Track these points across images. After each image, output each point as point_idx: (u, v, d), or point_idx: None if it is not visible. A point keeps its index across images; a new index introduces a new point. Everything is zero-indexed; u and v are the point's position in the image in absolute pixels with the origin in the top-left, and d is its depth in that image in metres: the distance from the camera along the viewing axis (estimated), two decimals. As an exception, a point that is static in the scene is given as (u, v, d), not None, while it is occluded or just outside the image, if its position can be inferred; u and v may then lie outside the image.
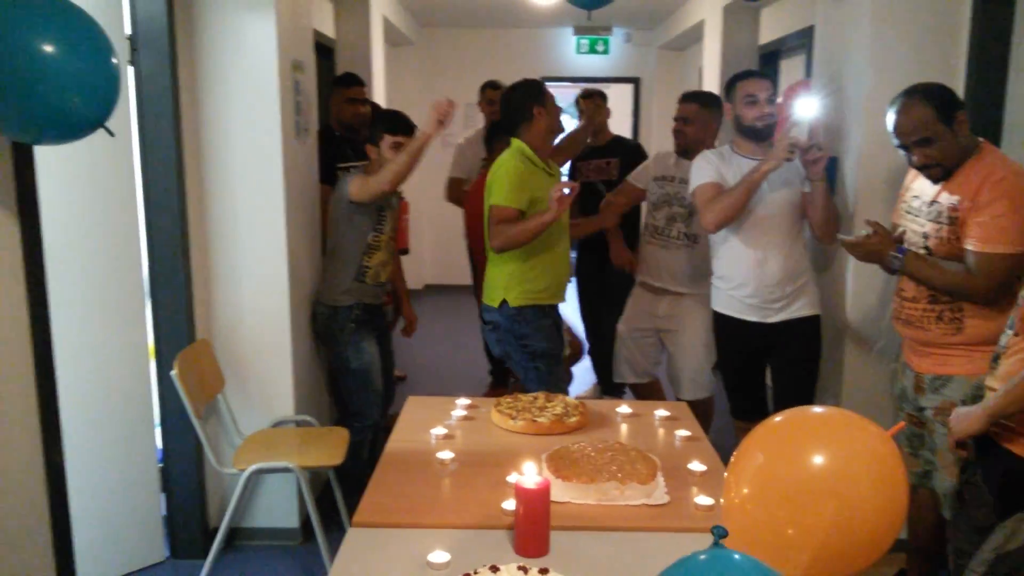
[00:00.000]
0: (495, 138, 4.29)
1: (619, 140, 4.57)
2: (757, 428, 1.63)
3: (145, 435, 3.06)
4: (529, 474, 1.68)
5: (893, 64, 2.92)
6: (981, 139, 2.35)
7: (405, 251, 6.19)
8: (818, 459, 1.49)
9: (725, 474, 1.61)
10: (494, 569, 1.50)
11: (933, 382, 2.38)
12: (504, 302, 3.15)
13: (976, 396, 2.04)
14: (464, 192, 4.77)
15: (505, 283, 3.15)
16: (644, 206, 3.94)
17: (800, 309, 3.06)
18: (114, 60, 1.91)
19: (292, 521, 3.30)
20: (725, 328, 3.21)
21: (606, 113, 4.47)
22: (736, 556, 1.07)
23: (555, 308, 3.29)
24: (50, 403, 2.13)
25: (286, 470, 2.85)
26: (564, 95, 9.77)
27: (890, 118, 2.37)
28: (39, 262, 2.12)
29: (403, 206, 5.98)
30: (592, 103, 4.37)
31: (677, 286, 3.64)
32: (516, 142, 3.17)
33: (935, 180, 2.34)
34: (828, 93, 3.21)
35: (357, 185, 3.19)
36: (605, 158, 4.38)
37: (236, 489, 2.89)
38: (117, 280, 2.94)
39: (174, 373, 2.75)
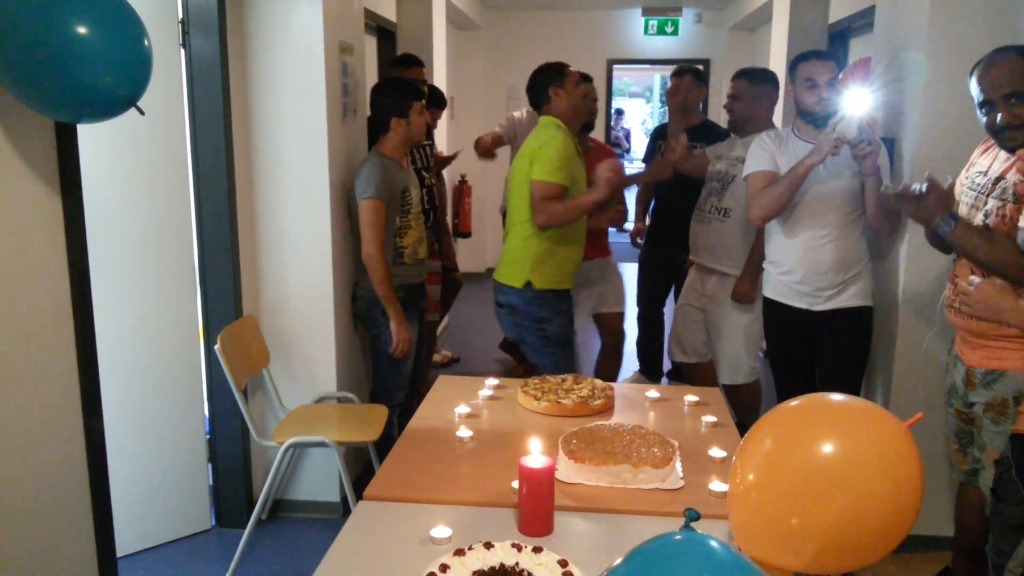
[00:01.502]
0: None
1: (709, 125, 4.35)
2: (769, 414, 1.58)
3: (194, 407, 3.17)
4: (535, 453, 1.67)
5: (952, 40, 2.77)
6: None
7: (467, 234, 6.23)
8: (828, 448, 1.43)
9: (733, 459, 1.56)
10: (488, 545, 1.50)
11: (985, 376, 2.24)
12: (528, 284, 3.13)
13: None
14: (490, 145, 4.70)
15: (532, 264, 3.13)
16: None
17: (850, 299, 2.95)
18: (146, 40, 1.97)
19: (333, 495, 3.37)
20: (773, 313, 3.12)
21: (700, 93, 4.31)
22: (711, 542, 1.03)
23: (569, 293, 3.28)
24: (90, 374, 2.22)
25: (323, 444, 2.91)
26: (635, 78, 9.65)
27: (976, 76, 2.21)
28: (82, 239, 2.20)
29: (466, 190, 6.03)
30: (683, 81, 4.24)
31: (713, 261, 3.58)
32: (548, 117, 3.19)
33: (1013, 146, 2.17)
34: (884, 77, 3.07)
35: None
36: (692, 143, 4.22)
37: (275, 461, 2.97)
38: (169, 256, 3.04)
39: (217, 348, 2.83)
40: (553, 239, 3.11)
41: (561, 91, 3.17)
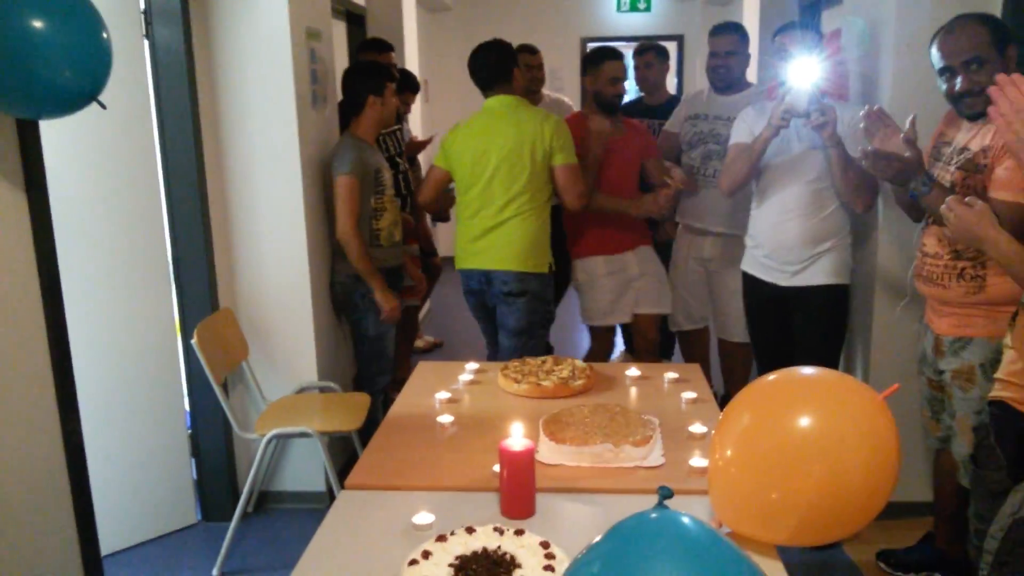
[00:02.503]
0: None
1: (676, 100, 4.30)
2: (746, 389, 1.59)
3: (174, 403, 3.15)
4: (515, 436, 1.67)
5: (921, 9, 2.77)
6: None
7: (445, 219, 6.19)
8: (805, 421, 1.44)
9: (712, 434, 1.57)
10: (470, 530, 1.50)
11: (953, 344, 2.27)
12: (550, 266, 3.18)
13: (997, 360, 1.93)
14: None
15: (548, 247, 3.19)
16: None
17: (818, 276, 2.90)
18: (104, 33, 1.93)
19: (319, 485, 3.37)
20: (748, 287, 3.14)
21: (664, 70, 4.30)
22: (684, 519, 1.03)
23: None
24: (65, 373, 2.19)
25: (305, 435, 2.90)
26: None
27: (937, 43, 2.21)
28: (49, 237, 2.16)
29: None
30: (643, 60, 4.23)
31: (718, 226, 3.55)
32: (516, 98, 3.19)
33: (973, 114, 2.18)
34: (846, 47, 3.07)
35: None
36: (658, 119, 4.18)
37: (258, 453, 2.96)
38: (141, 251, 3.00)
39: (194, 342, 2.81)
40: (546, 217, 3.18)
41: (518, 71, 3.22)
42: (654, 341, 3.71)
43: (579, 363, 2.45)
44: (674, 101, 4.28)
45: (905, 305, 2.63)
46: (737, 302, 3.54)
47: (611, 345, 3.73)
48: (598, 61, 3.46)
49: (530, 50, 4.63)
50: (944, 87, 2.21)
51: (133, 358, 3.00)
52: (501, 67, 3.18)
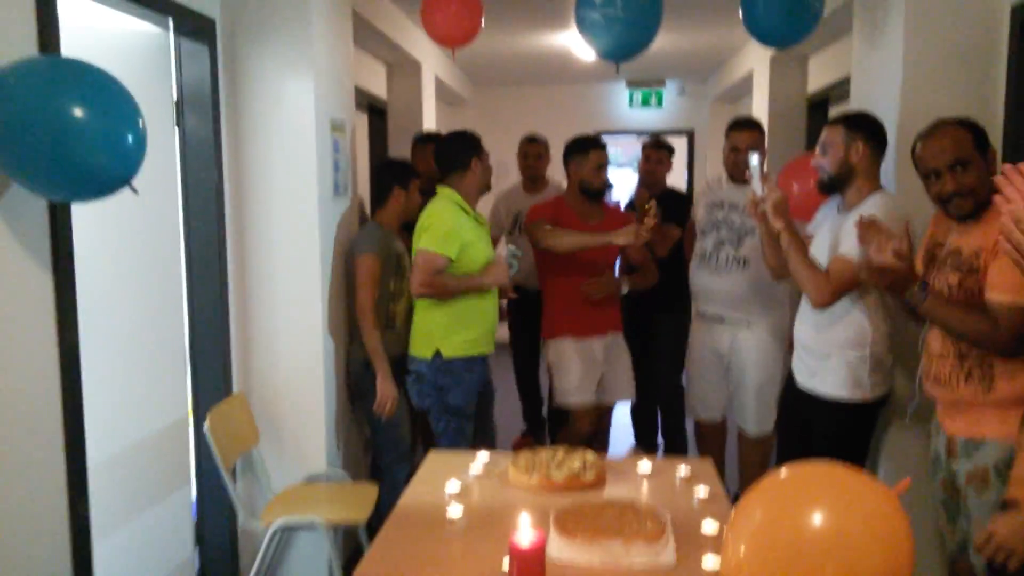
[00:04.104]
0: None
1: (670, 193, 4.46)
2: (757, 485, 1.57)
3: (181, 490, 3.12)
4: (524, 530, 1.65)
5: (924, 110, 2.85)
6: None
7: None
8: (817, 518, 1.42)
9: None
10: (478, 629, 1.47)
11: (966, 445, 2.23)
12: (437, 353, 3.14)
13: (1011, 461, 1.90)
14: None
15: (441, 333, 3.14)
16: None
17: (826, 384, 2.72)
18: (141, 121, 2.01)
19: (324, 576, 3.30)
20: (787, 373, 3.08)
21: (667, 167, 4.45)
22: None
23: (485, 360, 3.27)
24: (77, 457, 2.20)
25: (312, 526, 2.86)
26: (622, 149, 9.83)
27: (920, 147, 2.27)
28: (73, 318, 2.20)
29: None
30: (656, 155, 4.39)
31: (732, 311, 3.54)
32: (447, 190, 3.21)
33: (961, 215, 2.22)
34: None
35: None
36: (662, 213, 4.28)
37: (263, 544, 2.91)
38: (159, 335, 3.03)
39: (207, 428, 2.81)
40: (455, 306, 3.14)
41: (480, 162, 3.23)
42: (588, 434, 3.67)
43: (590, 455, 2.43)
44: (669, 194, 4.38)
45: (914, 408, 2.58)
46: (754, 394, 3.52)
47: (590, 425, 3.70)
48: (584, 149, 3.57)
49: (529, 139, 4.82)
50: (932, 190, 2.27)
51: (144, 441, 2.99)
52: (457, 157, 3.24)
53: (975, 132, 2.22)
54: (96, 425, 2.60)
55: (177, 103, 3.05)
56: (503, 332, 4.21)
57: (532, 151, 4.76)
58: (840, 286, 2.60)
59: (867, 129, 2.67)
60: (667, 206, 4.06)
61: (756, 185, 2.72)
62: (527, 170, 4.81)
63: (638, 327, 4.42)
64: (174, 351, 3.08)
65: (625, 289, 3.72)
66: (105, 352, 2.86)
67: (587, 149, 3.56)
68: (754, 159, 2.73)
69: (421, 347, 3.19)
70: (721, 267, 3.55)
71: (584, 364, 3.62)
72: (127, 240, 2.94)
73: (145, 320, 2.99)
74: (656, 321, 4.33)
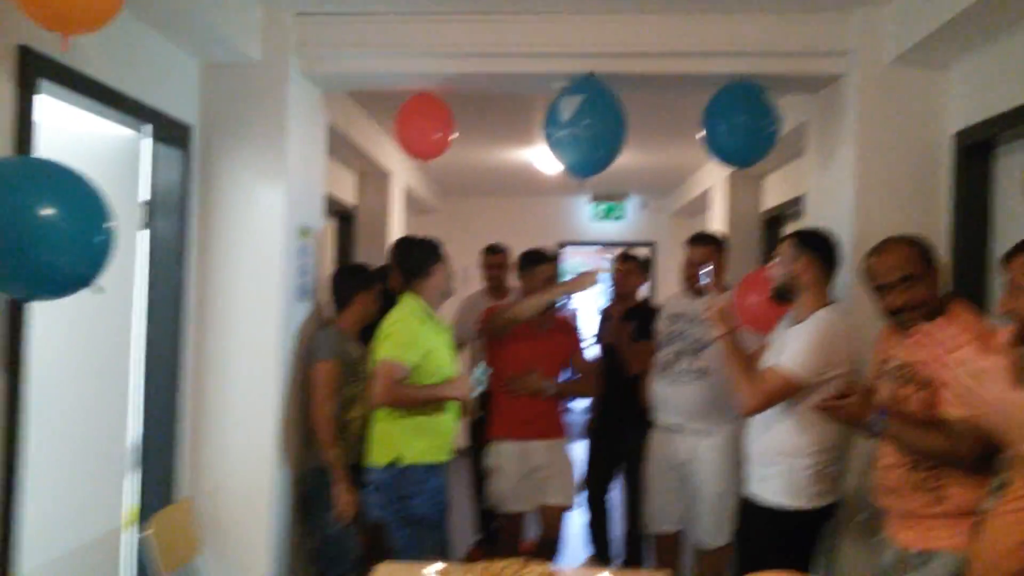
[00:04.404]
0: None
1: (643, 306, 4.46)
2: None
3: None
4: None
5: (877, 227, 2.98)
6: (954, 299, 2.32)
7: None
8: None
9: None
10: None
11: (918, 557, 2.21)
12: (397, 460, 3.05)
13: (964, 573, 1.90)
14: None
15: (402, 440, 3.06)
16: None
17: (765, 492, 2.73)
18: (109, 224, 2.02)
19: None
20: None
21: (636, 279, 4.49)
22: None
23: (443, 467, 3.19)
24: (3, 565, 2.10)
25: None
26: (585, 260, 10.06)
27: (869, 263, 2.36)
28: (20, 416, 2.15)
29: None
30: (626, 267, 4.44)
31: (691, 421, 3.53)
32: (410, 296, 3.19)
33: (910, 327, 2.29)
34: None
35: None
36: (628, 320, 4.27)
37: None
38: (106, 436, 2.95)
39: (149, 533, 2.70)
40: (414, 413, 3.08)
41: (442, 267, 3.24)
42: (555, 540, 3.62)
43: (545, 569, 2.37)
44: (643, 306, 4.45)
45: (865, 519, 2.58)
46: (711, 505, 3.49)
47: (519, 533, 3.63)
48: (533, 264, 3.69)
49: (491, 250, 4.93)
50: (882, 304, 2.34)
51: (82, 550, 2.86)
52: (419, 264, 3.24)
53: (922, 248, 2.33)
54: (32, 531, 2.49)
55: (148, 205, 3.08)
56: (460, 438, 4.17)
57: (493, 261, 4.89)
58: (768, 396, 2.65)
59: (815, 245, 2.77)
60: (640, 320, 4.11)
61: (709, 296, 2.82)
62: (489, 279, 4.91)
63: (607, 439, 4.40)
64: (120, 455, 2.99)
65: (552, 391, 3.71)
66: (50, 451, 2.77)
67: (536, 264, 3.68)
68: (704, 272, 2.86)
69: (380, 455, 3.11)
70: (679, 377, 3.58)
71: (521, 469, 3.59)
72: (81, 338, 2.90)
73: (93, 421, 2.91)
74: (624, 434, 4.29)
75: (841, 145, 3.25)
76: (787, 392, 2.62)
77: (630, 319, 4.25)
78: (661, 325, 3.79)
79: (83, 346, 2.90)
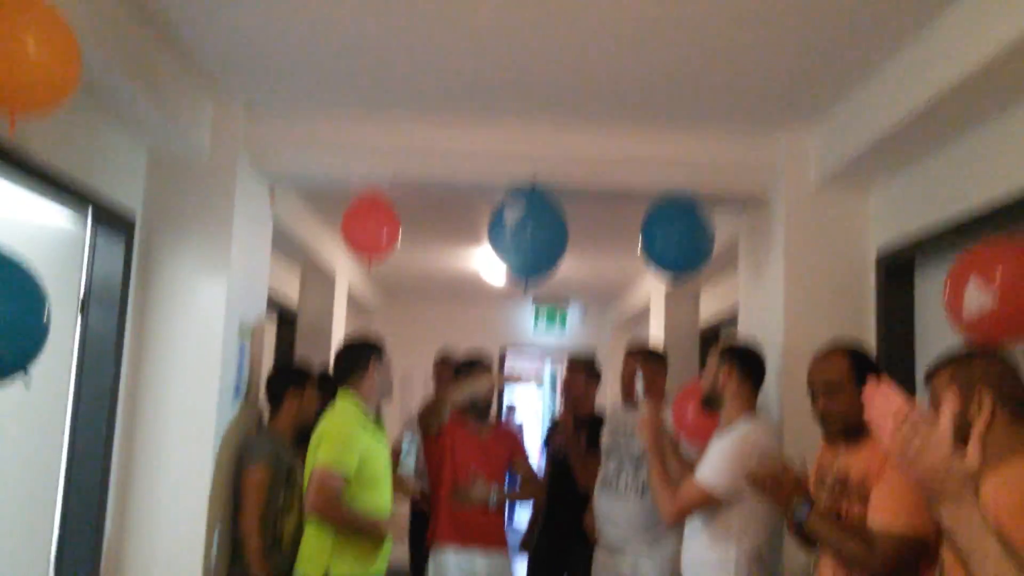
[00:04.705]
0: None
1: (597, 419, 4.21)
2: None
3: None
4: None
5: (806, 339, 3.09)
6: None
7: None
8: None
9: None
10: None
11: None
12: (327, 572, 2.90)
13: None
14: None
15: (328, 552, 2.91)
16: None
17: None
18: (46, 312, 1.99)
19: None
20: None
21: (591, 386, 4.31)
22: None
23: None
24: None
25: None
26: (527, 367, 10.09)
27: (809, 365, 2.42)
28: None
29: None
30: (569, 375, 4.30)
31: (634, 538, 3.45)
32: (346, 394, 3.08)
33: (831, 437, 2.32)
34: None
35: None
36: (579, 430, 4.14)
37: None
38: (23, 529, 2.79)
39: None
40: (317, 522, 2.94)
41: (381, 365, 3.15)
42: None
43: None
44: (596, 417, 4.35)
45: None
46: None
47: None
48: (469, 372, 3.70)
49: (443, 359, 4.86)
50: (813, 407, 2.39)
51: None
52: (355, 360, 3.15)
53: (855, 359, 2.35)
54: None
55: (84, 295, 3.02)
56: (402, 550, 4.04)
57: (444, 369, 4.79)
58: (684, 505, 2.69)
59: (738, 357, 2.84)
60: (591, 431, 4.00)
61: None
62: (441, 387, 4.78)
63: (551, 556, 4.26)
64: (38, 559, 2.82)
65: (494, 499, 3.66)
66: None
67: (470, 371, 3.70)
68: (637, 382, 3.01)
69: (310, 566, 2.94)
70: (621, 492, 3.53)
71: None
72: (9, 429, 2.77)
73: (14, 518, 2.75)
74: (568, 552, 4.17)
75: (770, 261, 3.40)
76: (703, 502, 2.65)
77: (583, 429, 4.12)
78: (604, 438, 3.77)
79: (8, 438, 2.77)
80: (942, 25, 2.34)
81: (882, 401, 1.33)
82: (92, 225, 2.99)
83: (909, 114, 2.53)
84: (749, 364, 2.84)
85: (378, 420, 3.20)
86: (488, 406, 3.79)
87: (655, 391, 3.62)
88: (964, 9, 2.24)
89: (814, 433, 2.60)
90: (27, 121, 2.09)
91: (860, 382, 2.28)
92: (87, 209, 2.88)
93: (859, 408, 2.21)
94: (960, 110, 2.45)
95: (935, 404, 1.81)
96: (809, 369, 2.42)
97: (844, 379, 2.31)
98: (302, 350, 5.74)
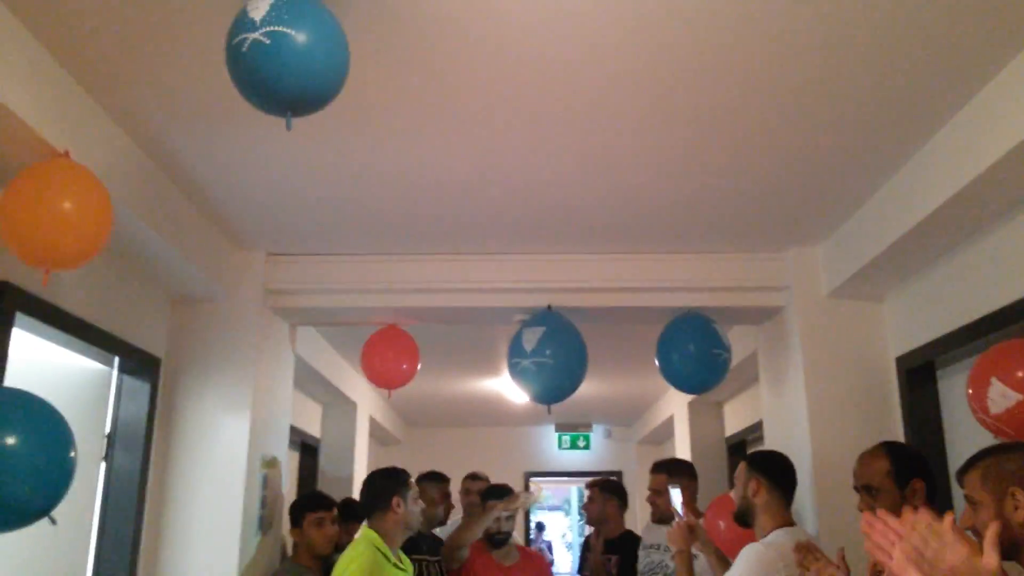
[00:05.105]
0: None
1: (631, 535, 4.21)
2: None
3: None
4: None
5: (833, 447, 3.05)
6: None
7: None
8: None
9: None
10: None
11: None
12: None
13: None
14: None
15: None
16: None
17: None
18: (72, 452, 2.01)
19: None
20: None
21: (607, 504, 4.26)
22: None
23: None
24: None
25: None
26: (553, 491, 9.90)
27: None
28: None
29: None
30: (588, 495, 4.30)
31: None
32: (367, 531, 3.00)
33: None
34: None
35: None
36: (609, 554, 4.10)
37: None
38: None
39: None
40: None
41: (402, 501, 3.02)
42: None
43: None
44: (630, 537, 4.25)
45: None
46: None
47: None
48: (494, 496, 3.66)
49: (473, 476, 4.79)
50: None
51: None
52: (378, 496, 3.06)
53: (897, 459, 2.31)
54: None
55: (109, 436, 3.05)
56: None
57: (474, 487, 4.70)
58: None
59: (765, 468, 2.77)
60: (623, 552, 3.94)
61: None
62: (469, 507, 4.72)
63: None
64: None
65: None
66: None
67: (495, 497, 3.64)
68: (673, 493, 2.94)
69: None
70: None
71: None
72: (27, 564, 2.74)
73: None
74: None
75: (789, 372, 3.40)
76: None
77: (613, 551, 4.05)
78: (640, 556, 3.70)
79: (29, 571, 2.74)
80: (936, 145, 2.44)
81: (880, 531, 1.32)
82: (119, 372, 3.07)
83: (908, 228, 2.60)
84: (777, 473, 2.78)
85: (407, 551, 3.12)
86: (509, 534, 3.68)
87: (684, 501, 3.56)
88: (956, 128, 2.33)
89: (854, 541, 2.53)
90: (58, 273, 2.18)
91: (903, 482, 2.27)
92: (114, 357, 2.96)
93: (897, 511, 2.18)
94: (958, 222, 2.52)
95: (969, 504, 1.78)
96: (854, 470, 2.39)
97: (885, 481, 2.28)
98: (325, 481, 5.69)
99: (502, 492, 3.69)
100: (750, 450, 5.51)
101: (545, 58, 2.07)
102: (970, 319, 2.64)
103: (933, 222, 2.52)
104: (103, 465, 3.03)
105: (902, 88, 2.17)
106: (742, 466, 2.82)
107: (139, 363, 3.07)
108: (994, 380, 2.20)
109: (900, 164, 2.62)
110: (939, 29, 1.93)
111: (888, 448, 2.39)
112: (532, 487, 3.57)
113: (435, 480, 4.05)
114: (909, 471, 2.31)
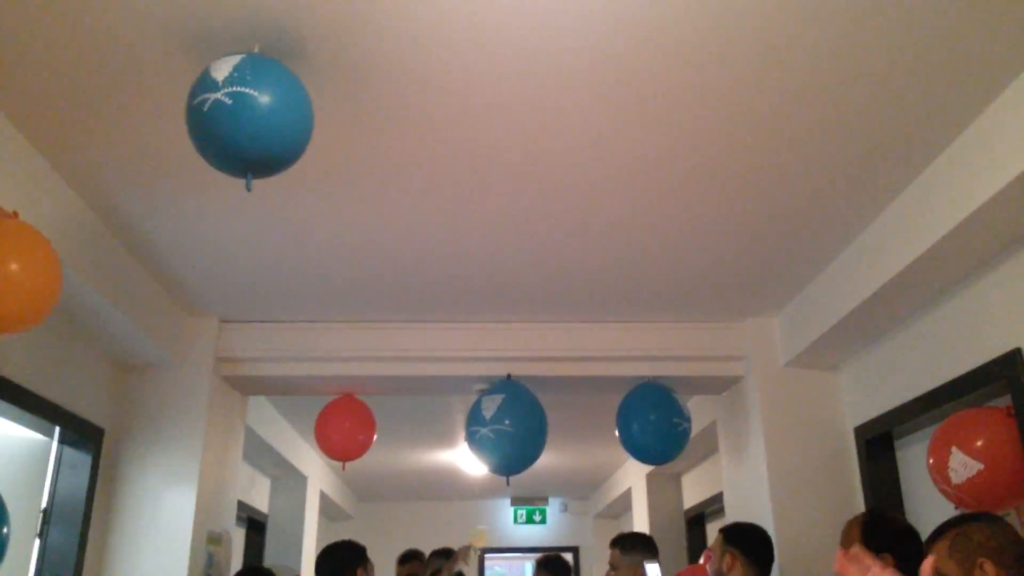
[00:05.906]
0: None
1: None
2: None
3: None
4: None
5: (795, 518, 3.03)
6: None
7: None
8: None
9: None
10: None
11: None
12: None
13: None
14: None
15: None
16: None
17: None
18: (3, 530, 1.90)
19: None
20: None
21: None
22: None
23: None
24: None
25: None
26: (507, 566, 9.61)
27: None
28: None
29: None
30: (535, 573, 4.23)
31: None
32: None
33: None
34: None
35: None
36: None
37: None
38: None
39: None
40: None
41: (361, 570, 3.03)
42: None
43: None
44: None
45: None
46: None
47: None
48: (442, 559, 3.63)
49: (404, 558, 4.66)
50: None
51: None
52: (341, 569, 3.05)
53: (867, 528, 2.27)
54: None
55: (45, 511, 2.89)
56: None
57: (402, 572, 4.60)
58: None
59: (740, 541, 2.75)
60: None
61: None
62: None
63: None
64: None
65: None
66: None
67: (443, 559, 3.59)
68: (650, 569, 2.86)
69: None
70: None
71: None
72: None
73: None
74: None
75: (750, 442, 3.39)
76: None
77: None
78: None
79: None
80: (888, 217, 2.50)
81: (856, 567, 1.30)
82: (59, 442, 2.92)
83: (862, 299, 2.65)
84: (753, 547, 2.75)
85: None
86: None
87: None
88: (908, 200, 2.39)
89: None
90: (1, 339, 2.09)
91: (876, 550, 2.24)
92: (54, 428, 2.82)
93: None
94: (912, 292, 2.56)
95: (937, 573, 1.76)
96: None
97: (855, 545, 2.25)
98: (272, 558, 5.46)
99: (447, 555, 3.61)
100: (711, 522, 5.46)
101: (503, 137, 2.09)
102: (926, 389, 2.67)
103: (886, 293, 2.57)
104: (36, 542, 2.85)
105: (854, 161, 2.24)
106: (717, 538, 2.79)
107: (81, 434, 2.93)
108: (954, 449, 2.22)
109: (853, 236, 2.68)
110: (884, 112, 2.00)
111: (867, 513, 2.38)
112: (470, 534, 3.47)
113: (417, 559, 4.06)
114: (880, 539, 2.29)
